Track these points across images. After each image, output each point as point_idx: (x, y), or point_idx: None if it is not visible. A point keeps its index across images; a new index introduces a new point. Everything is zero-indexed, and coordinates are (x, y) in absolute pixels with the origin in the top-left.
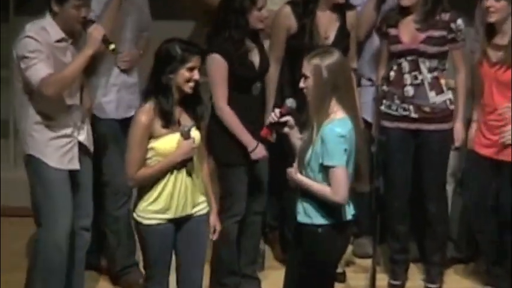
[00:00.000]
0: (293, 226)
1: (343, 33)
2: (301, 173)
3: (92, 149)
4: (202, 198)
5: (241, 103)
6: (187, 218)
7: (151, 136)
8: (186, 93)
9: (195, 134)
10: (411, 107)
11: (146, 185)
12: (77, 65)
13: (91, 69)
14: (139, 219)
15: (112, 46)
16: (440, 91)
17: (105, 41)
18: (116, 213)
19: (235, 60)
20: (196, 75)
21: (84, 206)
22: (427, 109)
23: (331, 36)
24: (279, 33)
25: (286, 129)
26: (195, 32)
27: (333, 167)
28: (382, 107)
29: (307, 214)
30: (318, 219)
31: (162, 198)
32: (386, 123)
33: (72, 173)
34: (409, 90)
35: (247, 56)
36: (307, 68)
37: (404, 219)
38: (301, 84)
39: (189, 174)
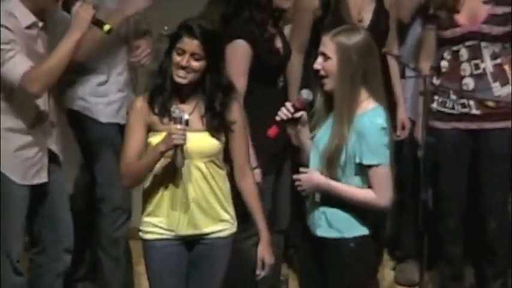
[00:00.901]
0: (308, 242)
1: (380, 15)
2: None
3: (61, 157)
4: (222, 217)
5: (266, 98)
6: (198, 238)
7: (150, 129)
8: (178, 84)
9: (206, 139)
10: (472, 103)
11: (145, 189)
12: (64, 52)
13: (85, 62)
14: (140, 233)
15: (107, 27)
16: (505, 81)
17: (97, 22)
18: (115, 234)
19: (261, 46)
20: (184, 61)
21: (64, 225)
22: (491, 104)
23: (366, 18)
24: (302, 16)
25: (299, 127)
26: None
27: (376, 165)
28: (434, 105)
29: (333, 227)
30: (350, 232)
31: (161, 209)
32: (439, 124)
33: (39, 187)
34: (469, 83)
35: (273, 42)
36: (328, 47)
37: (458, 239)
38: (317, 66)
39: (189, 182)
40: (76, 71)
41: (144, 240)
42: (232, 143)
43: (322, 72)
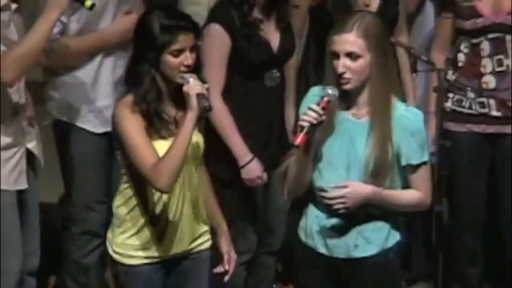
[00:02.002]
0: (318, 267)
1: (389, 2)
2: None
3: (42, 160)
4: (203, 229)
5: (249, 96)
6: (183, 256)
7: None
8: (178, 85)
9: (197, 137)
10: (492, 102)
11: (120, 204)
12: (40, 35)
13: (69, 61)
14: (116, 256)
15: (89, 2)
16: None
17: None
18: (83, 261)
19: (242, 34)
20: (187, 59)
21: (31, 241)
22: None
23: (374, 3)
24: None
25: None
26: None
27: (425, 163)
28: (448, 103)
29: (372, 242)
30: (387, 242)
31: (146, 228)
32: (453, 126)
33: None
34: (490, 81)
35: (258, 32)
36: (356, 45)
37: (477, 258)
38: (342, 69)
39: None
40: (59, 73)
41: (120, 264)
42: None
43: (347, 75)
